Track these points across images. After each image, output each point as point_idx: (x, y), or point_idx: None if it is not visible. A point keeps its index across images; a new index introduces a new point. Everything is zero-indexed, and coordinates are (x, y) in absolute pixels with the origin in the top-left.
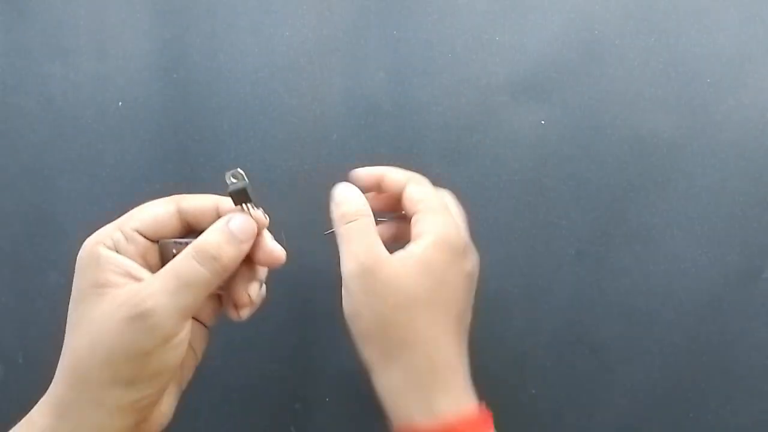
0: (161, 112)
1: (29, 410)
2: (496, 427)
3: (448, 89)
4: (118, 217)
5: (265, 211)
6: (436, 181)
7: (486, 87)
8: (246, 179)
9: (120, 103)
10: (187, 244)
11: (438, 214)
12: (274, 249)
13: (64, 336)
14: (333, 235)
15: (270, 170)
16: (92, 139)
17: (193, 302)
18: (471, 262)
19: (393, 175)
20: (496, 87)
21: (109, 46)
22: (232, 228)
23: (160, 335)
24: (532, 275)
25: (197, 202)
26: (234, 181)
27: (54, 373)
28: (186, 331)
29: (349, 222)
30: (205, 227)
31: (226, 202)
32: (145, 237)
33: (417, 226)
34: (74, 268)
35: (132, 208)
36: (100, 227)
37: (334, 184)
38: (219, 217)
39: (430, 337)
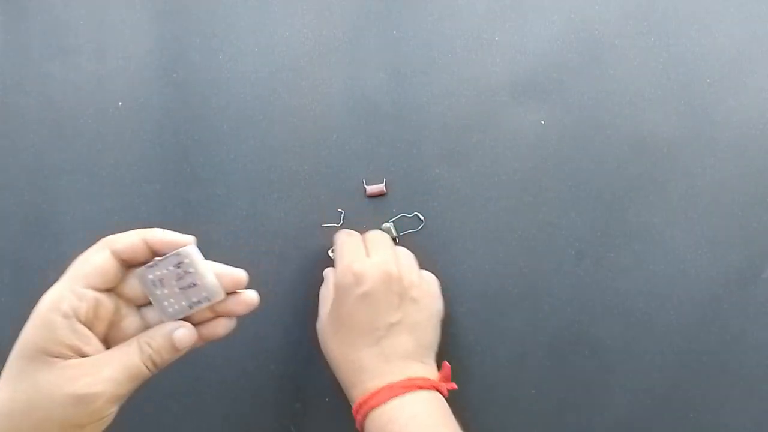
0: (161, 112)
1: None
2: (498, 427)
3: (447, 89)
4: (120, 221)
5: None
6: (436, 181)
7: (486, 87)
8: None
9: (120, 103)
10: (156, 264)
11: (336, 264)
12: (247, 300)
13: None
14: (331, 229)
15: (270, 170)
16: (92, 139)
17: (131, 391)
18: (364, 285)
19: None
20: (496, 87)
21: (109, 46)
22: (174, 338)
23: (98, 415)
24: (532, 275)
25: (126, 241)
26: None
27: None
28: (116, 409)
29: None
30: (140, 261)
31: (152, 233)
32: (95, 289)
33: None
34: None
35: (131, 207)
36: (100, 227)
37: (333, 184)
38: (149, 249)
39: (339, 353)
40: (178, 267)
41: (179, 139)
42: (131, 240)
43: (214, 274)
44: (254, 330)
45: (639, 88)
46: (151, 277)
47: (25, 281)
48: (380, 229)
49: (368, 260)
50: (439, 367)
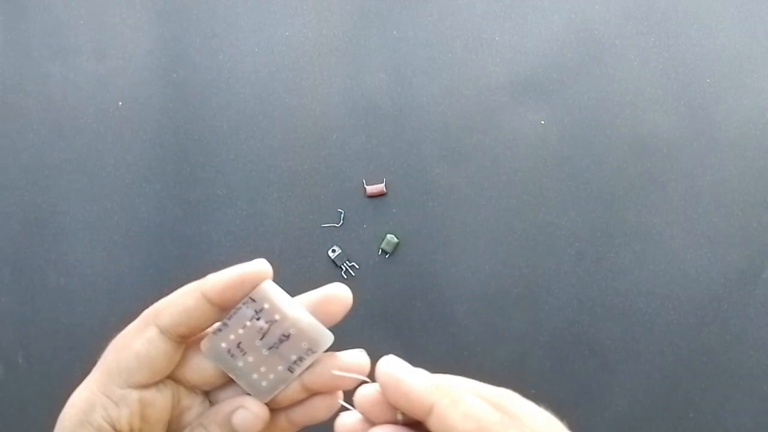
0: (161, 112)
1: (29, 410)
2: None
3: (447, 89)
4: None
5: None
6: (436, 181)
7: (486, 87)
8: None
9: (120, 103)
10: (226, 325)
11: None
12: (355, 363)
13: (62, 336)
14: (331, 228)
15: (270, 170)
16: (92, 139)
17: None
18: None
19: (414, 396)
20: (495, 87)
21: (109, 47)
22: (234, 423)
23: None
24: (532, 275)
25: (178, 309)
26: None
27: (53, 373)
28: None
29: None
30: (203, 327)
31: (208, 282)
32: (141, 386)
33: None
34: (74, 268)
35: (131, 207)
36: (100, 228)
37: (333, 184)
38: (211, 307)
39: None
40: (258, 318)
41: (179, 139)
42: (185, 305)
43: (308, 310)
44: None
45: (639, 88)
46: (224, 345)
47: (25, 281)
48: (387, 240)
49: None
50: None
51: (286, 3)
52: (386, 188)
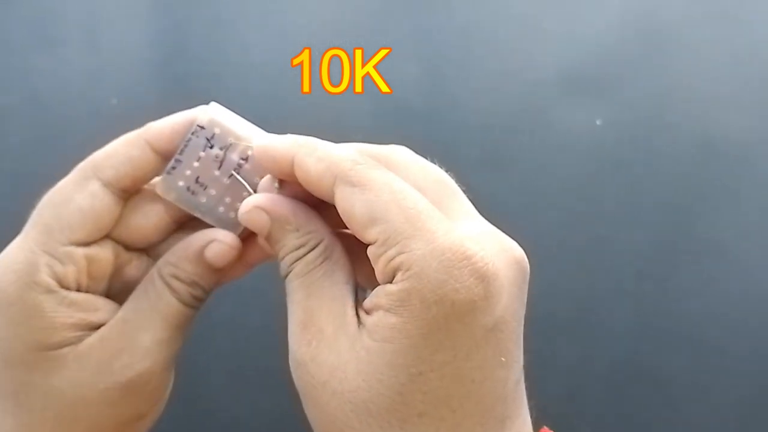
0: (159, 110)
1: None
2: None
3: (488, 84)
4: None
5: None
6: (474, 191)
7: (532, 81)
8: None
9: (114, 101)
10: (179, 161)
11: (412, 240)
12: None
13: None
14: None
15: None
16: (84, 139)
17: (183, 342)
18: (498, 301)
19: (279, 155)
20: (544, 81)
21: (101, 37)
22: (208, 258)
23: (158, 395)
24: (586, 298)
25: (121, 159)
26: None
27: None
28: (173, 373)
29: (292, 265)
30: (147, 179)
31: (149, 130)
32: (84, 244)
33: (381, 264)
34: None
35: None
36: None
37: None
38: (155, 156)
39: None
40: (211, 147)
41: None
42: (128, 155)
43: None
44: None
45: (708, 84)
46: (182, 183)
47: None
48: None
49: (481, 234)
50: None
51: None
52: None
